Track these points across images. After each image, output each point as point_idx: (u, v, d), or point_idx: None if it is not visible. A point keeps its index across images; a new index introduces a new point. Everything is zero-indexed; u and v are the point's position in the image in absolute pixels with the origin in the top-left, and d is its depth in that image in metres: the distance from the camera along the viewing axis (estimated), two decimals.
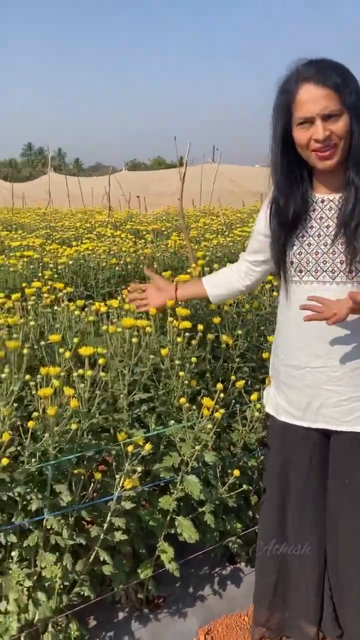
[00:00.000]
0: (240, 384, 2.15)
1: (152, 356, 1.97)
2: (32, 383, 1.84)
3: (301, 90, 1.55)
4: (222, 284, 2.08)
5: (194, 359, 2.07)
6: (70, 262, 3.86)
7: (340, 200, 1.67)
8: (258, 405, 2.12)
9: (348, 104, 1.53)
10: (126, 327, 1.93)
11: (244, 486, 2.19)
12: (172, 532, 2.10)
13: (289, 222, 1.71)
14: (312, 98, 1.53)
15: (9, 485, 1.73)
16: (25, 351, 1.91)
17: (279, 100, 1.63)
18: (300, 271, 1.71)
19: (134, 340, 1.91)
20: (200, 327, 2.15)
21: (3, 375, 1.76)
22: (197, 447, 1.94)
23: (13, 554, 1.82)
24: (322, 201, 1.71)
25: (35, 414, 1.73)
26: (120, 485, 1.87)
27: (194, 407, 2.02)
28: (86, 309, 2.55)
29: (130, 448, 1.83)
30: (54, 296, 2.56)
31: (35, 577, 1.85)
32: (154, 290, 2.17)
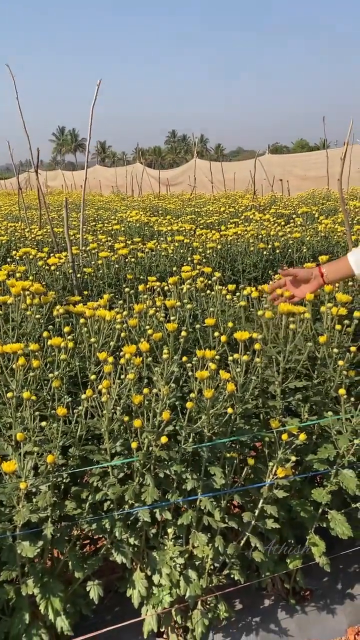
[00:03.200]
0: None
1: (309, 343, 1.90)
2: (188, 365, 1.86)
3: None
4: None
5: (353, 348, 1.96)
6: (219, 247, 3.87)
7: None
8: None
9: None
10: (283, 312, 1.88)
11: None
12: (323, 525, 2.04)
13: None
14: None
15: (166, 463, 1.78)
16: (183, 333, 1.94)
17: None
18: None
19: (292, 326, 1.85)
20: (357, 313, 2.03)
21: (164, 356, 1.80)
22: (356, 441, 1.85)
23: (169, 531, 1.87)
24: None
25: (192, 394, 1.75)
26: (273, 473, 1.84)
27: (352, 399, 1.92)
28: (237, 294, 2.54)
29: (284, 436, 1.79)
30: (207, 280, 2.58)
31: (187, 555, 1.90)
32: (301, 285, 2.04)
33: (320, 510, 2.02)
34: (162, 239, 4.37)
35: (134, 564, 1.94)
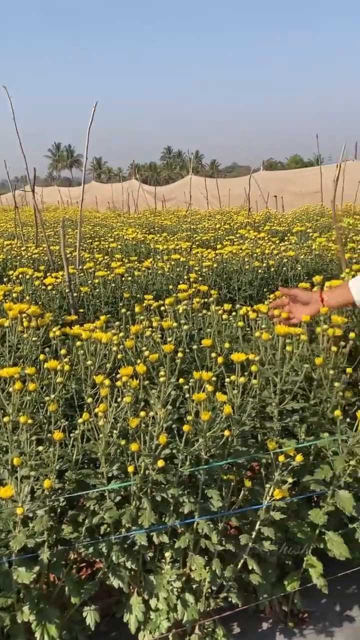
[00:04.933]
0: None
1: (306, 365, 1.91)
2: (185, 387, 1.87)
3: None
4: None
5: (349, 370, 1.97)
6: (214, 265, 3.89)
7: None
8: None
9: None
10: (280, 334, 1.89)
11: None
12: (321, 546, 2.03)
13: None
14: None
15: (163, 486, 1.78)
16: (179, 354, 1.95)
17: None
18: None
19: (289, 348, 1.86)
20: (352, 335, 2.05)
21: (161, 379, 1.80)
22: (352, 462, 1.85)
23: (166, 554, 1.86)
24: None
25: (188, 417, 1.75)
26: (270, 494, 1.84)
27: (347, 419, 1.93)
28: (233, 313, 2.55)
29: (281, 458, 1.79)
30: (203, 300, 2.59)
31: (184, 579, 1.89)
32: (299, 305, 2.07)
33: (317, 532, 2.01)
34: (158, 257, 4.39)
35: (131, 588, 1.92)
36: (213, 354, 2.02)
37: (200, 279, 3.71)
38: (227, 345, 2.11)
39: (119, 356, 2.07)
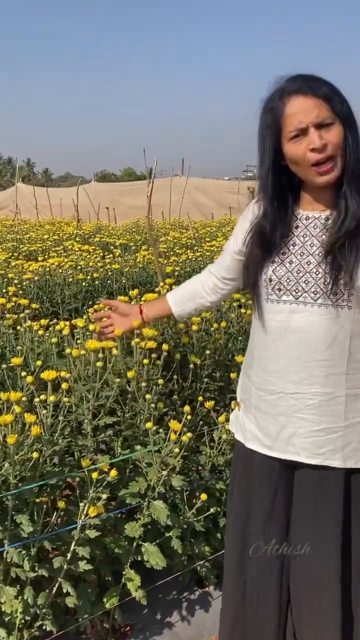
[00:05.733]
0: (209, 404, 2.12)
1: (117, 379, 1.93)
2: None
3: (289, 104, 1.48)
4: (187, 300, 1.95)
5: (160, 381, 2.03)
6: (36, 278, 3.78)
7: (327, 218, 1.57)
8: (227, 427, 2.09)
9: (339, 112, 1.47)
10: (91, 349, 1.88)
11: (212, 509, 2.16)
12: (139, 558, 2.05)
13: (268, 242, 1.60)
14: (303, 109, 1.47)
15: None
16: None
17: (264, 120, 1.56)
18: (279, 290, 1.58)
19: (99, 364, 1.86)
20: (165, 346, 2.11)
21: None
22: (164, 472, 1.90)
23: None
24: (307, 218, 1.60)
25: None
26: (85, 513, 1.82)
27: (161, 429, 1.98)
28: (50, 328, 2.49)
29: (95, 475, 1.78)
30: (16, 316, 2.49)
31: None
32: (118, 317, 2.08)
33: (135, 544, 2.03)
34: None
35: None
36: (23, 373, 1.94)
37: (21, 292, 3.58)
38: (39, 362, 2.05)
39: None
